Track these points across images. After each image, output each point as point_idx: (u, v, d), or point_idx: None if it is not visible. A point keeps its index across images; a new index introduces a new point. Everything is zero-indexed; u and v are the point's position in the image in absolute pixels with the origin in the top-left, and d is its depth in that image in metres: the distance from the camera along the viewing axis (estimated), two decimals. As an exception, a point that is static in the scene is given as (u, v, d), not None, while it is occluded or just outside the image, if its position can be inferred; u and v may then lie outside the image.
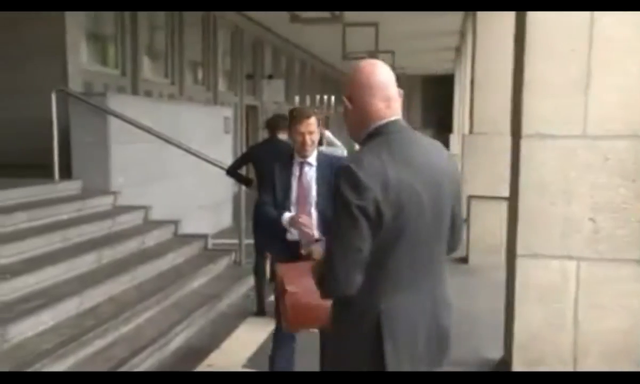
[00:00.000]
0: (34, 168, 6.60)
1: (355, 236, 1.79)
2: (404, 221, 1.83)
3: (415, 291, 1.91)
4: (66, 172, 6.55)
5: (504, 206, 4.48)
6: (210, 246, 6.88)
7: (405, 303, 1.89)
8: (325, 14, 11.64)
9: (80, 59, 8.54)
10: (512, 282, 3.57)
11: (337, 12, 11.60)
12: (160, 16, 11.33)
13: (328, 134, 7.97)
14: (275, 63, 17.68)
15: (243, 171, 6.11)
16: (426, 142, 1.99)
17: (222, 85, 13.94)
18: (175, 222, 6.82)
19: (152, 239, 6.24)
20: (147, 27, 10.85)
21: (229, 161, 6.80)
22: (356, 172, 1.79)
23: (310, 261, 2.80)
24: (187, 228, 7.01)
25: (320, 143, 3.92)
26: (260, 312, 5.40)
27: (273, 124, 5.42)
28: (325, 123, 6.49)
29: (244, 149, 13.63)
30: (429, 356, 1.96)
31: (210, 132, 9.12)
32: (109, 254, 5.41)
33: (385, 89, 1.92)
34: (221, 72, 13.89)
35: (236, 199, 8.14)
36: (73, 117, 6.63)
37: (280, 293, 2.87)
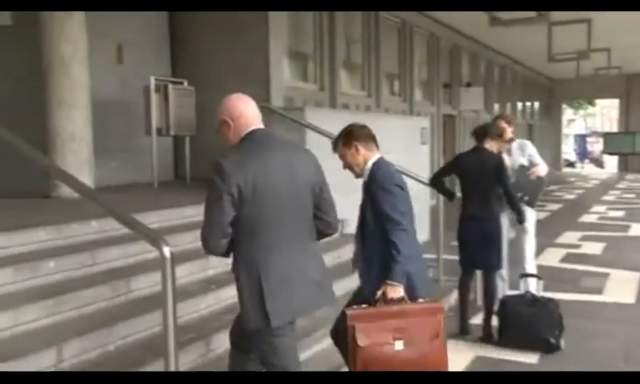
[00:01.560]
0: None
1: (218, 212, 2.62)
2: (262, 199, 2.62)
3: (283, 250, 2.68)
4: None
5: None
6: (406, 261, 6.61)
7: (276, 258, 2.67)
8: (530, 14, 10.80)
9: (282, 76, 8.88)
10: None
11: (543, 11, 10.72)
12: (357, 30, 11.46)
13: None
14: (472, 70, 17.01)
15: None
16: (281, 143, 2.89)
17: (418, 95, 13.71)
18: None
19: (348, 253, 6.16)
20: (344, 42, 11.02)
21: (426, 172, 6.50)
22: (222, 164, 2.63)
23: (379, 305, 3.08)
24: (383, 242, 6.82)
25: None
26: (464, 332, 5.02)
27: (481, 133, 5.02)
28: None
29: (442, 160, 13.24)
30: (306, 297, 2.74)
31: (407, 143, 8.91)
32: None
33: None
34: (417, 82, 13.67)
35: (433, 212, 7.82)
36: (275, 132, 6.83)
37: (350, 339, 2.95)
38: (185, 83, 7.80)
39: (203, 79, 8.21)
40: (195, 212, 5.64)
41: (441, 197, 6.00)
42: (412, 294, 3.17)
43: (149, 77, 7.32)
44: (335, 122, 7.05)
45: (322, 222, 2.90)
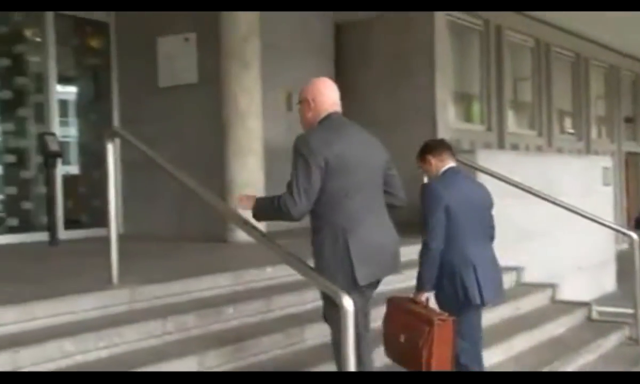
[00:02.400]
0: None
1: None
2: (345, 173, 2.90)
3: (365, 220, 2.95)
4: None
5: None
6: (594, 315, 5.99)
7: (360, 226, 2.92)
8: None
9: (448, 118, 8.69)
10: None
11: None
12: (526, 67, 10.99)
13: None
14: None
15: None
16: (356, 126, 3.17)
17: (594, 133, 12.72)
18: (553, 286, 6.15)
19: (526, 304, 5.72)
20: (512, 80, 10.60)
21: (609, 216, 5.89)
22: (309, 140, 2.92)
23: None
24: (563, 292, 6.28)
25: None
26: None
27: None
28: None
29: (625, 203, 12.10)
30: (383, 263, 3.04)
31: (585, 185, 8.23)
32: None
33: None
34: (594, 119, 12.70)
35: (621, 258, 7.07)
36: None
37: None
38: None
39: (369, 123, 8.20)
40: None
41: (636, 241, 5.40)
42: (461, 297, 3.36)
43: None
44: (506, 164, 6.73)
45: (392, 197, 3.18)
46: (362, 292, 2.97)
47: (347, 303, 2.72)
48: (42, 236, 6.68)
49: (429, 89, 8.29)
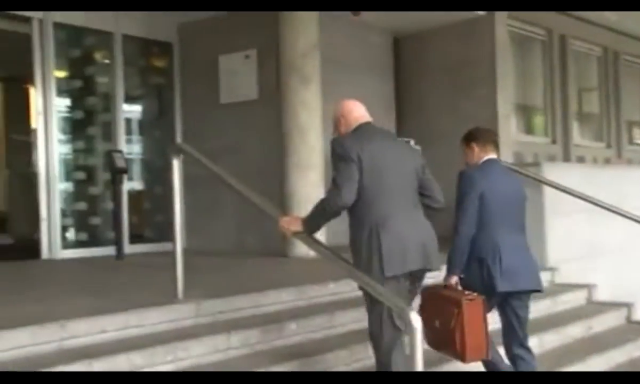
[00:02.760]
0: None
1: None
2: (377, 173, 3.13)
3: (396, 217, 3.14)
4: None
5: None
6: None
7: (392, 222, 3.12)
8: None
9: (511, 131, 8.49)
10: None
11: None
12: (592, 78, 10.65)
13: None
14: None
15: None
16: (388, 132, 3.75)
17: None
18: (628, 306, 5.86)
19: (600, 324, 5.46)
20: (576, 91, 10.29)
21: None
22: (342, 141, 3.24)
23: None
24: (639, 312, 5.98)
25: None
26: None
27: None
28: None
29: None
30: (414, 257, 3.14)
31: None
32: (551, 340, 4.88)
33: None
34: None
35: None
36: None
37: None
38: (412, 141, 7.81)
39: (430, 136, 8.19)
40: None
41: None
42: (486, 283, 3.44)
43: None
44: (574, 177, 6.50)
45: (429, 199, 3.35)
46: (399, 284, 3.14)
47: (415, 320, 2.66)
48: (109, 250, 6.87)
49: (491, 101, 8.15)
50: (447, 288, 3.48)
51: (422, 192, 3.32)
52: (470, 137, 3.72)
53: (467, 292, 3.37)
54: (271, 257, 6.34)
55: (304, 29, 6.48)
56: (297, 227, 3.36)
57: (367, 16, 7.89)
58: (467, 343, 3.18)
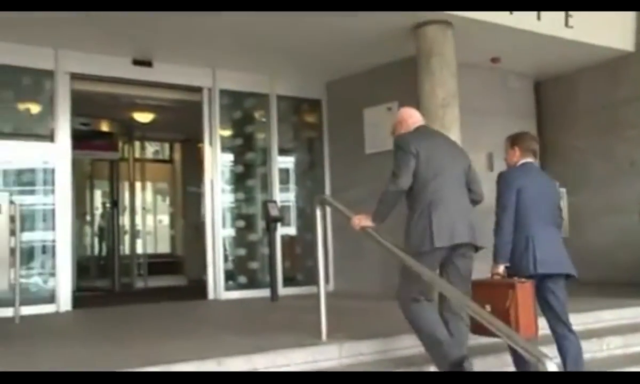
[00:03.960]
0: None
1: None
2: (431, 163, 3.68)
3: (446, 199, 3.66)
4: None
5: None
6: None
7: (441, 202, 3.64)
8: None
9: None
10: None
11: None
12: None
13: None
14: None
15: None
16: (441, 133, 4.30)
17: None
18: None
19: None
20: None
21: None
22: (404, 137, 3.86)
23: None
24: None
25: None
26: None
27: None
28: None
29: None
30: (459, 232, 3.63)
31: None
32: None
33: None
34: None
35: None
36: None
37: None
38: (557, 184, 7.46)
39: (579, 180, 7.82)
40: (612, 317, 5.33)
41: None
42: (518, 270, 3.77)
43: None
44: None
45: (472, 193, 3.87)
46: (445, 255, 3.66)
47: (551, 366, 2.56)
48: (265, 292, 7.26)
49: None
50: (494, 275, 3.82)
51: (469, 188, 3.85)
52: (515, 141, 4.05)
53: (515, 278, 3.70)
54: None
55: (443, 80, 6.50)
56: (367, 222, 3.86)
57: (506, 62, 7.77)
58: (521, 323, 3.51)
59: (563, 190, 7.29)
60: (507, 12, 6.41)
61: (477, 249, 3.75)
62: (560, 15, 6.81)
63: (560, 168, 8.18)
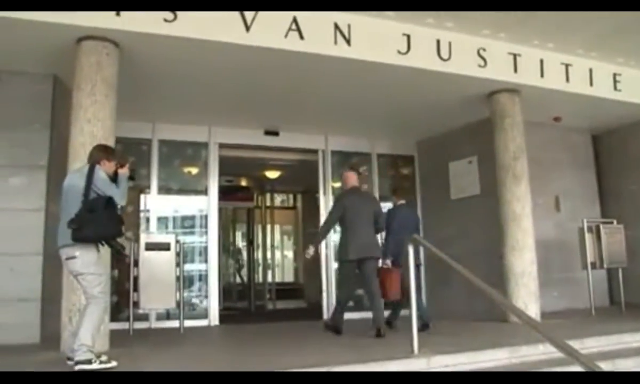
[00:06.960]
0: None
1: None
2: (352, 211, 5.63)
3: (361, 236, 5.58)
4: None
5: None
6: None
7: (357, 232, 5.59)
8: None
9: None
10: None
11: None
12: None
13: None
14: None
15: None
16: (363, 192, 6.42)
17: None
18: None
19: None
20: None
21: None
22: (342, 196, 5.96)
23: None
24: None
25: None
26: None
27: None
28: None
29: None
30: (365, 251, 5.56)
31: None
32: None
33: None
34: None
35: None
36: None
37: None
38: (615, 222, 7.31)
39: (632, 217, 7.57)
40: (633, 339, 5.02)
41: None
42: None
43: (582, 220, 7.15)
44: None
45: (377, 224, 5.71)
46: (358, 264, 5.59)
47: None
48: (368, 314, 7.37)
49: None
50: (384, 265, 5.78)
51: (375, 220, 5.65)
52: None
53: (390, 266, 5.77)
54: (494, 322, 6.28)
55: (514, 137, 6.59)
56: (311, 249, 5.70)
57: (567, 120, 7.72)
58: (388, 289, 5.75)
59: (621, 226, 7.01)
60: (564, 79, 6.51)
61: (377, 259, 5.63)
62: (609, 80, 6.84)
63: (618, 208, 7.94)
